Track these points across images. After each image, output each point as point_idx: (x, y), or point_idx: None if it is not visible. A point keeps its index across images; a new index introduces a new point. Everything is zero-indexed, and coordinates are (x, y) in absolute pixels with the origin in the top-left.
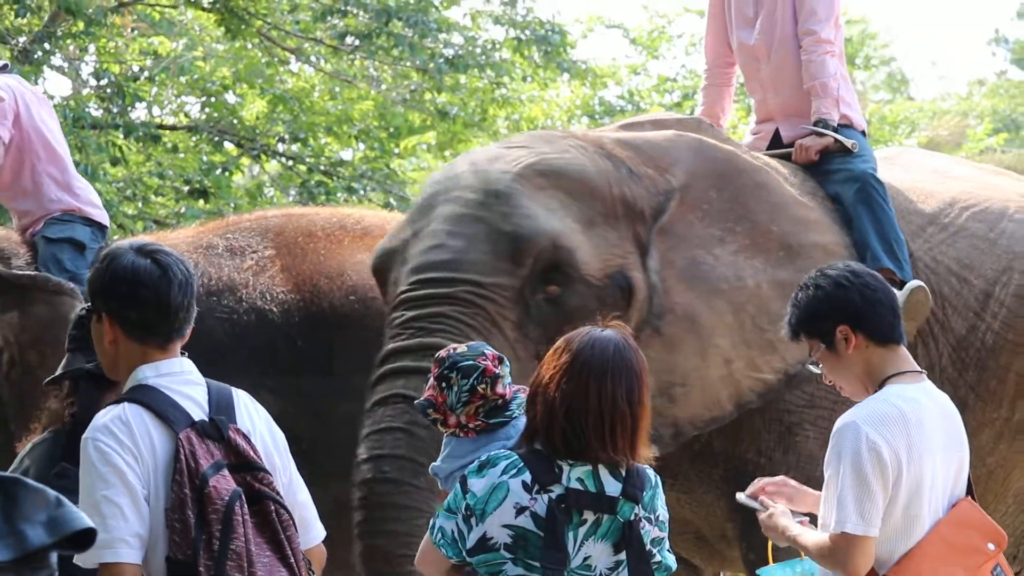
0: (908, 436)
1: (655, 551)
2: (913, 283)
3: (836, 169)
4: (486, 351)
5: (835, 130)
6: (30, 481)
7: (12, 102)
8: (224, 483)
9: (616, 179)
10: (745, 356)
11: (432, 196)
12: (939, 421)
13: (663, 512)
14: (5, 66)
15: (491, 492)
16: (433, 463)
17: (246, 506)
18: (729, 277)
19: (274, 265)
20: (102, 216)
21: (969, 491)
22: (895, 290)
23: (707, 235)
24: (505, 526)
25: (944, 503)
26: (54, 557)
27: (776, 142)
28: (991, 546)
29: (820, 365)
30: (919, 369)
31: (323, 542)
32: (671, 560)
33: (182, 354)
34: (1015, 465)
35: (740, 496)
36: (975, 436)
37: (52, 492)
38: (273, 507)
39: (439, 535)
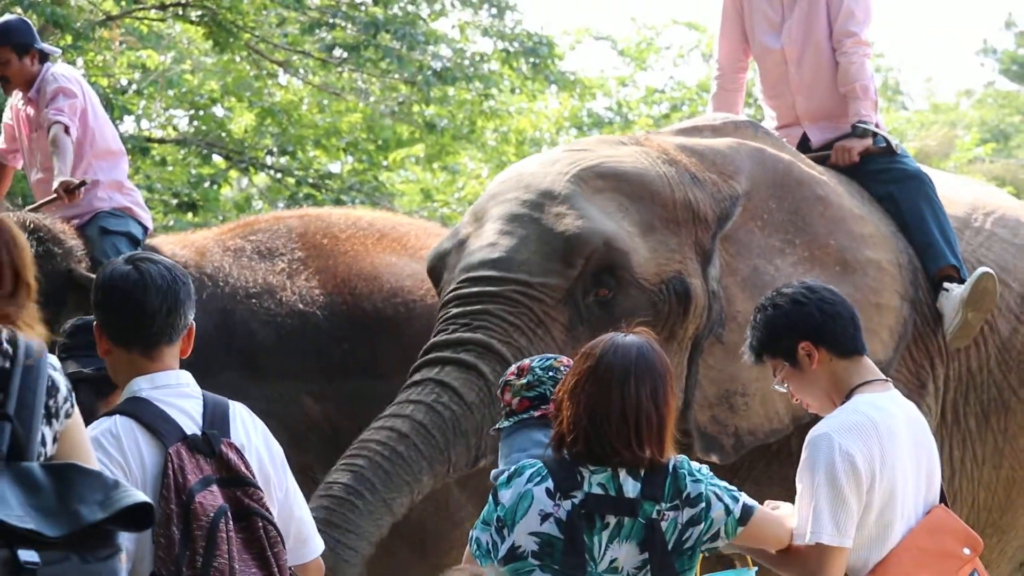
0: (880, 445)
1: (688, 532)
2: (981, 269)
3: (884, 169)
4: (527, 361)
5: (875, 133)
6: (86, 466)
7: (82, 100)
8: (210, 499)
9: (678, 184)
10: None
11: (489, 198)
12: (907, 430)
13: (693, 487)
14: (58, 55)
15: (518, 501)
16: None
17: (231, 522)
18: None
19: (307, 268)
20: (147, 218)
21: (942, 498)
22: (957, 285)
23: (767, 245)
24: (532, 533)
25: (916, 510)
26: (121, 537)
27: (802, 146)
28: (967, 551)
29: (786, 385)
30: (884, 378)
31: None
32: (725, 512)
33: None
34: None
35: None
36: (1015, 439)
37: (111, 476)
38: (261, 523)
39: (475, 546)
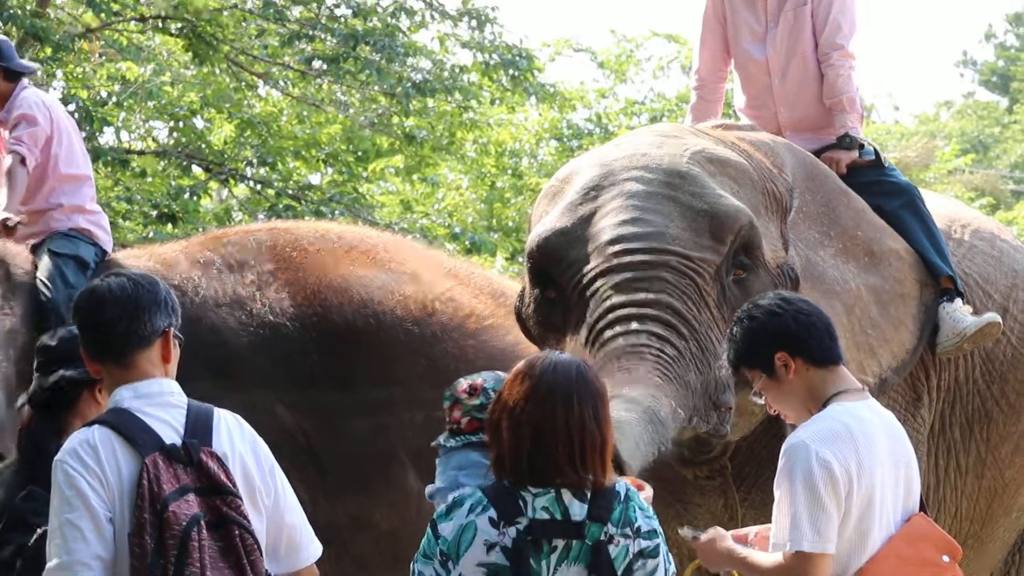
0: (857, 452)
1: (639, 563)
2: (991, 316)
3: (872, 181)
4: (478, 380)
5: (861, 145)
6: None
7: (47, 127)
8: (185, 508)
9: (765, 175)
10: (855, 359)
11: (600, 178)
12: (885, 437)
13: (645, 522)
14: (33, 71)
15: (460, 533)
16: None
17: (204, 531)
18: (838, 279)
19: (277, 280)
20: (107, 241)
21: (922, 506)
22: (973, 316)
23: (811, 237)
24: (479, 564)
25: (895, 518)
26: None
27: None
28: (946, 558)
29: (763, 396)
30: (860, 386)
31: (333, 558)
32: (665, 568)
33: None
34: None
35: (684, 530)
36: (996, 449)
37: None
38: (238, 532)
39: None
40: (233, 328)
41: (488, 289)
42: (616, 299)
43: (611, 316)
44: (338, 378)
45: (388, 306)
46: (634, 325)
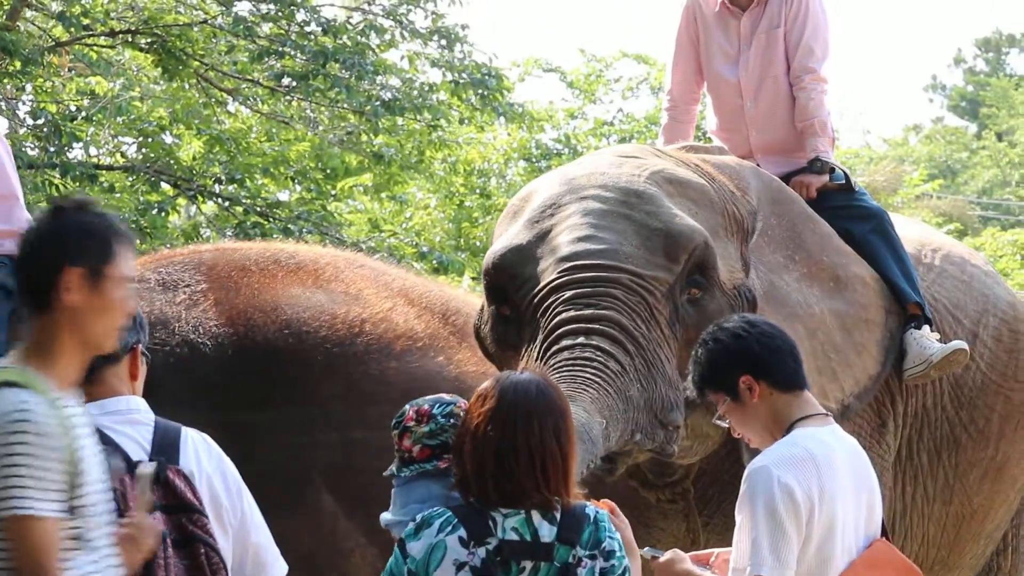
0: (819, 477)
1: None
2: (958, 344)
3: (843, 205)
4: (424, 406)
5: (832, 169)
6: None
7: None
8: None
9: (726, 196)
10: (817, 383)
11: (558, 196)
12: (847, 463)
13: (611, 542)
14: None
15: (430, 553)
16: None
17: (170, 549)
18: (801, 303)
19: (207, 299)
20: None
21: (884, 532)
22: (940, 343)
23: (775, 260)
24: None
25: (857, 543)
26: None
27: None
28: None
29: (727, 419)
30: (825, 412)
31: None
32: None
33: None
34: (992, 506)
35: (644, 550)
36: (965, 475)
37: None
38: (204, 550)
39: None
40: (150, 347)
41: (440, 309)
42: (566, 314)
43: (559, 331)
44: (256, 398)
45: (313, 326)
46: (580, 339)
